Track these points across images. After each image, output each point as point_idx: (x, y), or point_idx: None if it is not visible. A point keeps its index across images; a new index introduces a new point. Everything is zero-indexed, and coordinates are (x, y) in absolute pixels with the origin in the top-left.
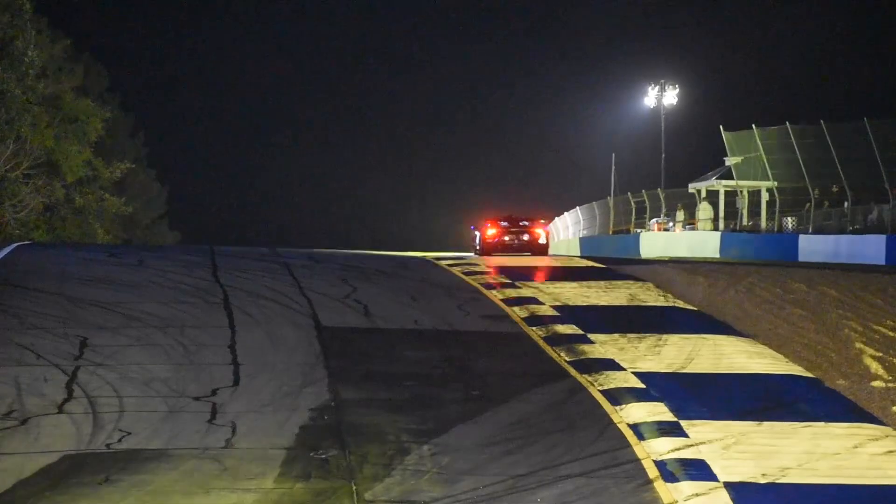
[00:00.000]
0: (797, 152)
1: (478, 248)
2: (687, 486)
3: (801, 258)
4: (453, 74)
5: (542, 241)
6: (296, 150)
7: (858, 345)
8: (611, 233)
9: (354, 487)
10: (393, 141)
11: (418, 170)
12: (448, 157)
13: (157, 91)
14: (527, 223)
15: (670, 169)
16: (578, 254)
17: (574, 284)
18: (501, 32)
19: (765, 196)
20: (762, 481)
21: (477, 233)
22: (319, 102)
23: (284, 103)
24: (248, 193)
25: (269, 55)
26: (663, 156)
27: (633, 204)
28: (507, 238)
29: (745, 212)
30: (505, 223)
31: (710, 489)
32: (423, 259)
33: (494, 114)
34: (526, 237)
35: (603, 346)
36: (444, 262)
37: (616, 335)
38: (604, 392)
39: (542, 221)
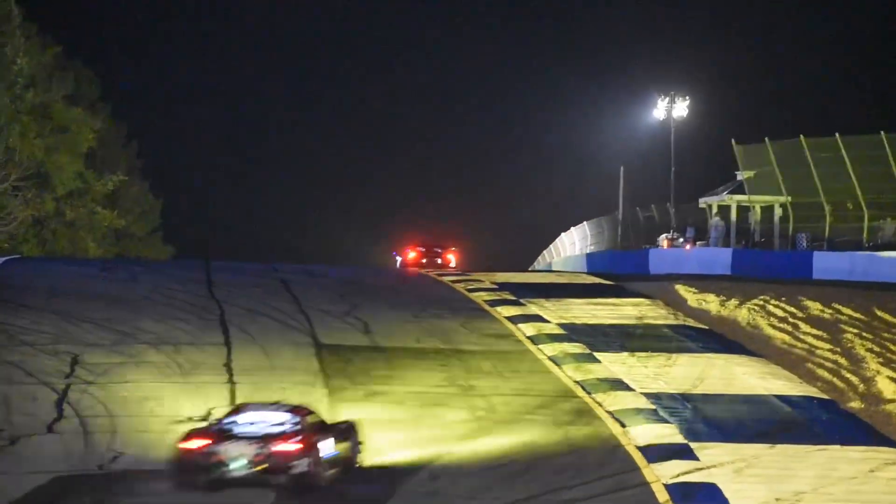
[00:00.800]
0: (811, 166)
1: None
2: None
3: (816, 275)
4: (454, 82)
5: (452, 264)
6: (295, 164)
7: (874, 365)
8: (619, 249)
9: None
10: (397, 153)
11: (419, 180)
12: (445, 169)
13: (151, 100)
14: (440, 249)
15: (680, 183)
16: (585, 270)
17: (581, 301)
18: (503, 40)
19: (778, 211)
20: None
21: (399, 257)
22: (318, 113)
23: (283, 114)
24: (245, 206)
25: (267, 65)
26: (673, 170)
27: (641, 219)
28: (424, 260)
29: (757, 227)
30: (422, 248)
31: None
32: (425, 274)
33: (496, 125)
34: (439, 260)
35: (611, 365)
36: (447, 279)
37: (624, 354)
38: (611, 413)
39: (454, 249)
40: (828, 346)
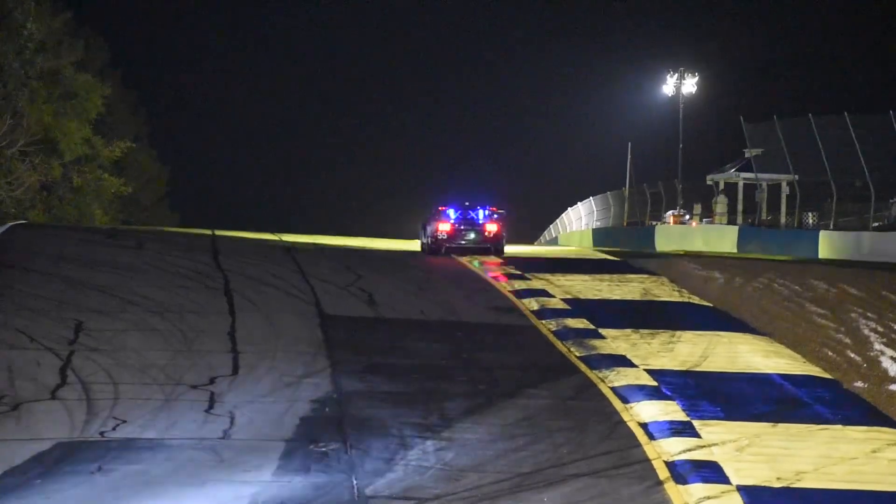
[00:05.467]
0: (819, 145)
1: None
2: (698, 489)
3: (822, 255)
4: (459, 59)
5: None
6: (301, 134)
7: (879, 346)
8: (625, 225)
9: (355, 482)
10: (398, 127)
11: (420, 155)
12: (453, 143)
13: (159, 68)
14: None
15: (688, 160)
16: (591, 246)
17: (586, 277)
18: (514, 13)
19: (785, 189)
20: (777, 485)
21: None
22: (327, 85)
23: (290, 84)
24: (251, 176)
25: (277, 33)
26: (681, 146)
27: (648, 195)
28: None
29: (764, 205)
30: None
31: (723, 492)
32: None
33: (502, 101)
34: (472, 236)
35: (614, 341)
36: (452, 253)
37: (628, 330)
38: (614, 389)
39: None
40: (832, 325)
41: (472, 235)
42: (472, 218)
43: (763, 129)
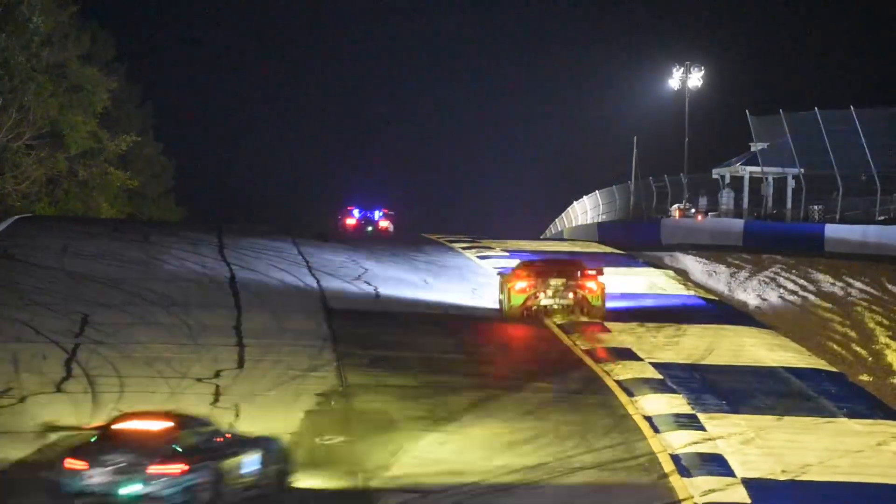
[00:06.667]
0: (825, 139)
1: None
2: (703, 482)
3: (827, 248)
4: (467, 53)
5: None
6: (310, 127)
7: (884, 339)
8: (631, 219)
9: (361, 475)
10: (406, 122)
11: (432, 145)
12: (460, 139)
13: (166, 61)
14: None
15: (694, 154)
16: (597, 239)
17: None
18: (520, 6)
19: (791, 183)
20: (782, 478)
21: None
22: (335, 76)
23: (299, 77)
24: (258, 170)
25: (283, 26)
26: (687, 140)
27: (654, 189)
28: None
29: (769, 199)
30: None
31: (728, 485)
32: (436, 241)
33: (511, 94)
34: (370, 229)
35: (620, 334)
36: (458, 245)
37: (633, 324)
38: (619, 382)
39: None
40: (838, 318)
41: (369, 228)
42: (370, 216)
43: (769, 122)
